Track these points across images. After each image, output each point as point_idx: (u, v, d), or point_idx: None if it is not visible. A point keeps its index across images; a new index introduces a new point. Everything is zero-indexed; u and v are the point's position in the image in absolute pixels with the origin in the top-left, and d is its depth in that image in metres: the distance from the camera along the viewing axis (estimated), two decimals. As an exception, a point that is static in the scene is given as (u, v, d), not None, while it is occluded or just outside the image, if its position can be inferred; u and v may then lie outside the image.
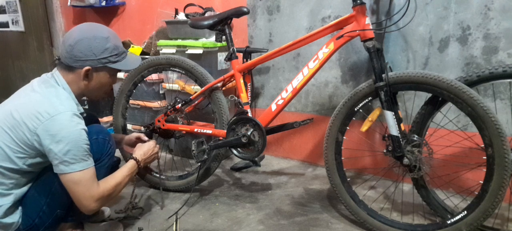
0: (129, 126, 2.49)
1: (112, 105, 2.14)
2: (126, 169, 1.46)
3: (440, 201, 1.61)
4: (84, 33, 1.33)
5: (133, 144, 1.74)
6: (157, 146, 1.65)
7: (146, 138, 1.77)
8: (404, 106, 1.90)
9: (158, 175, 2.02)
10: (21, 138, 1.24)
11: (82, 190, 1.27)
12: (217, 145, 1.79)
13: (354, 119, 1.62)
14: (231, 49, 1.79)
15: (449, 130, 1.72)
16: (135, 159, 1.52)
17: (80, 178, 1.26)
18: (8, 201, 1.28)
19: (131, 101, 2.28)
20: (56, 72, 1.35)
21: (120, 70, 1.45)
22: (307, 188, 2.06)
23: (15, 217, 1.31)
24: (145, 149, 1.58)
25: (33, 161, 1.28)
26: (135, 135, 1.78)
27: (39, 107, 1.23)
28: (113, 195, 1.39)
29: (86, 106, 2.85)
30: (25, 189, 1.33)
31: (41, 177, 1.35)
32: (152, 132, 1.97)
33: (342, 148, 1.65)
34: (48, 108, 1.23)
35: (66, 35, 1.35)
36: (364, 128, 1.73)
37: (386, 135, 1.53)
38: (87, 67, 1.32)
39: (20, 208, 1.34)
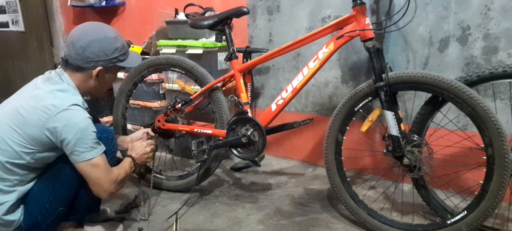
0: (129, 126, 2.49)
1: (112, 105, 2.14)
2: (127, 163, 1.51)
3: (440, 201, 1.61)
4: (94, 34, 1.35)
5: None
6: (150, 146, 1.65)
7: (152, 134, 1.85)
8: (404, 106, 1.90)
9: (159, 175, 2.03)
10: (30, 134, 1.25)
11: (101, 174, 1.31)
12: (217, 145, 1.79)
13: (354, 119, 1.62)
14: (231, 49, 1.79)
15: (449, 130, 1.72)
16: (131, 156, 1.55)
17: (97, 163, 1.30)
18: (11, 198, 1.29)
19: (131, 101, 2.28)
20: (60, 70, 1.37)
21: (125, 68, 1.49)
22: (307, 188, 2.06)
23: (17, 215, 1.32)
24: (137, 150, 1.59)
25: (41, 155, 1.30)
26: (142, 130, 1.82)
27: (46, 102, 1.26)
28: (124, 182, 1.45)
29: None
30: (28, 186, 1.34)
31: (44, 175, 1.36)
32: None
33: (342, 148, 1.65)
34: (54, 102, 1.26)
35: (73, 36, 1.36)
36: (364, 128, 1.73)
37: (386, 135, 1.53)
38: (99, 68, 1.36)
39: (22, 206, 1.34)
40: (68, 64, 1.36)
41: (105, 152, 1.38)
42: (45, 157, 1.31)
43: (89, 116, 1.32)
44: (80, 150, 1.26)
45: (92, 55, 1.33)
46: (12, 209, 1.31)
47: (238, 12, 1.75)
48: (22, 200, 1.34)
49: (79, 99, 1.33)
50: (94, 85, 1.40)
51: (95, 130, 1.32)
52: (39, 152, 1.29)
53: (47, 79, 1.35)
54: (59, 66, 1.40)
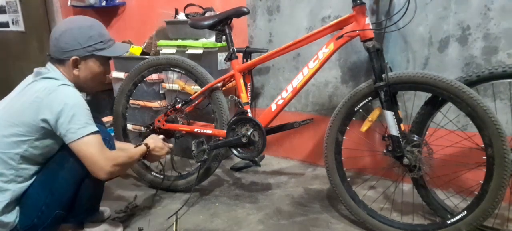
0: (129, 126, 2.49)
1: (112, 105, 2.14)
2: (138, 149, 1.53)
3: (440, 201, 1.61)
4: (68, 24, 1.39)
5: None
6: (166, 149, 1.67)
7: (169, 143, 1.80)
8: (404, 106, 1.90)
9: (159, 175, 2.03)
10: (26, 121, 1.27)
11: (96, 151, 1.30)
12: (217, 145, 1.79)
13: (354, 119, 1.62)
14: (231, 49, 1.79)
15: (449, 129, 1.72)
16: (146, 145, 1.57)
17: (92, 140, 1.30)
18: (4, 198, 1.29)
19: (131, 101, 2.28)
20: (49, 64, 1.40)
21: (109, 58, 1.49)
22: (307, 188, 2.06)
23: (12, 217, 1.32)
24: (159, 144, 1.63)
25: (38, 144, 1.31)
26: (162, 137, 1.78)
27: (37, 89, 1.30)
28: (125, 166, 1.43)
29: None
30: (23, 186, 1.33)
31: (40, 176, 1.36)
32: (152, 132, 1.97)
33: (342, 148, 1.65)
34: (46, 86, 1.30)
35: (53, 29, 1.41)
36: (364, 128, 1.74)
37: (386, 135, 1.53)
38: (74, 57, 1.37)
39: (17, 208, 1.34)
40: (52, 59, 1.40)
41: None
42: (42, 146, 1.32)
43: (81, 95, 1.34)
44: (75, 127, 1.27)
45: (66, 45, 1.35)
46: (6, 210, 1.30)
47: (238, 12, 1.75)
48: (18, 202, 1.34)
49: (70, 84, 1.36)
50: (76, 77, 1.40)
51: (88, 108, 1.33)
52: (36, 139, 1.30)
53: (36, 74, 1.38)
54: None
